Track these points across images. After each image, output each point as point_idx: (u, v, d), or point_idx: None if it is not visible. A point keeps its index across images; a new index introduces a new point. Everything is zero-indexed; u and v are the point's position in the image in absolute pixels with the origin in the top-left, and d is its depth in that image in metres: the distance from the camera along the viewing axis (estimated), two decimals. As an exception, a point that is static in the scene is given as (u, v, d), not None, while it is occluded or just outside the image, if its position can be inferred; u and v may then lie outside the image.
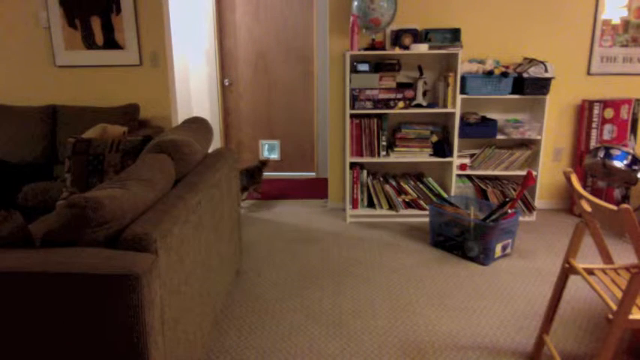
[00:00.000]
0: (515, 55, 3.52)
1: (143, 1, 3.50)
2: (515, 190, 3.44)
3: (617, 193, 3.43)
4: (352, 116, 3.44)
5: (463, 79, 3.30)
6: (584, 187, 3.55)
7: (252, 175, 4.03)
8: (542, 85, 3.25)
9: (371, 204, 3.61)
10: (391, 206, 3.55)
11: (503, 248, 2.87)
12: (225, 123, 4.93)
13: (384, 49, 3.42)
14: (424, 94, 3.38)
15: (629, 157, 2.93)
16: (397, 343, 2.05)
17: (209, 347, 2.04)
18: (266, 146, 4.39)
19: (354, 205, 3.57)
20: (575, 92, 3.59)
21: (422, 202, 3.51)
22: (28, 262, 1.28)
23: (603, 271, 1.73)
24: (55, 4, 3.50)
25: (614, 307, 1.48)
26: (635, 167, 2.92)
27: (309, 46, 4.68)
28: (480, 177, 3.62)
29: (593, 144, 3.46)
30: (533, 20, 3.46)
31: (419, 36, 3.39)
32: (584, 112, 3.51)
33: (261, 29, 4.79)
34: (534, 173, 3.31)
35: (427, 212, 3.49)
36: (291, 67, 4.82)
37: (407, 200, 3.53)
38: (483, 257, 2.79)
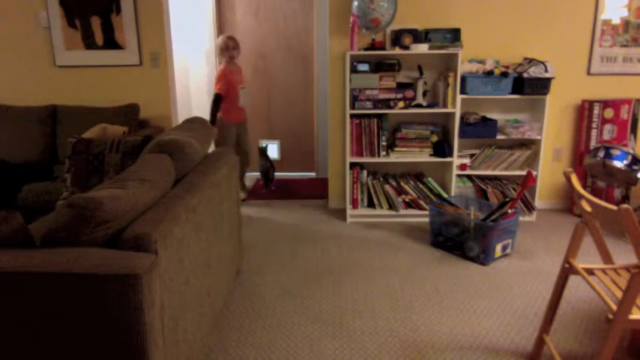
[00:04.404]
0: (515, 55, 3.52)
1: (143, 1, 3.50)
2: (515, 190, 3.44)
3: (617, 193, 3.43)
4: (352, 116, 3.44)
5: (463, 79, 3.30)
6: (584, 187, 3.55)
7: (272, 165, 4.29)
8: (542, 85, 3.25)
9: (371, 204, 3.61)
10: (391, 206, 3.55)
11: (503, 248, 2.87)
12: (225, 123, 4.92)
13: (384, 49, 3.42)
14: (424, 94, 3.38)
15: (629, 157, 2.93)
16: (397, 343, 2.05)
17: (209, 347, 2.04)
18: (265, 145, 4.43)
19: (354, 205, 3.57)
20: (575, 92, 3.59)
21: (422, 202, 3.51)
22: (28, 262, 1.28)
23: (603, 271, 1.73)
24: (55, 4, 3.50)
25: (614, 307, 1.48)
26: (635, 167, 2.92)
27: (309, 46, 4.67)
28: (480, 177, 3.62)
29: (593, 144, 3.46)
30: (533, 20, 3.46)
31: (419, 36, 3.39)
32: (584, 112, 3.51)
33: (262, 29, 4.79)
34: (534, 173, 3.31)
35: (427, 212, 3.49)
36: (291, 67, 4.81)
37: (407, 200, 3.53)
38: (483, 257, 2.79)
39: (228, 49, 3.78)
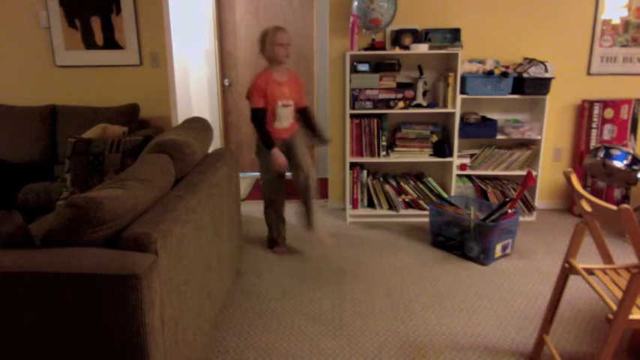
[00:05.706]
0: (515, 55, 3.51)
1: (143, 1, 3.50)
2: (515, 190, 3.44)
3: (617, 193, 3.43)
4: (352, 116, 3.44)
5: (463, 79, 3.29)
6: (584, 187, 3.55)
7: None
8: (542, 85, 3.25)
9: (371, 204, 3.61)
10: (391, 206, 3.55)
11: (503, 248, 2.87)
12: (225, 123, 4.92)
13: (384, 49, 3.42)
14: (424, 94, 3.38)
15: (629, 157, 2.93)
16: (397, 343, 2.05)
17: (209, 347, 2.04)
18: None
19: (354, 205, 3.56)
20: (575, 92, 3.59)
21: (422, 202, 3.51)
22: (28, 262, 1.28)
23: (603, 271, 1.73)
24: (55, 4, 3.50)
25: (614, 307, 1.48)
26: (635, 167, 2.92)
27: (309, 46, 4.67)
28: (480, 177, 3.62)
29: (593, 144, 3.46)
30: (533, 20, 3.45)
31: (419, 36, 3.39)
32: (584, 112, 3.51)
33: (262, 29, 4.79)
34: (534, 173, 3.31)
35: (427, 212, 3.49)
36: (291, 66, 4.81)
37: (407, 200, 3.52)
38: (483, 257, 2.79)
39: (277, 44, 2.71)
